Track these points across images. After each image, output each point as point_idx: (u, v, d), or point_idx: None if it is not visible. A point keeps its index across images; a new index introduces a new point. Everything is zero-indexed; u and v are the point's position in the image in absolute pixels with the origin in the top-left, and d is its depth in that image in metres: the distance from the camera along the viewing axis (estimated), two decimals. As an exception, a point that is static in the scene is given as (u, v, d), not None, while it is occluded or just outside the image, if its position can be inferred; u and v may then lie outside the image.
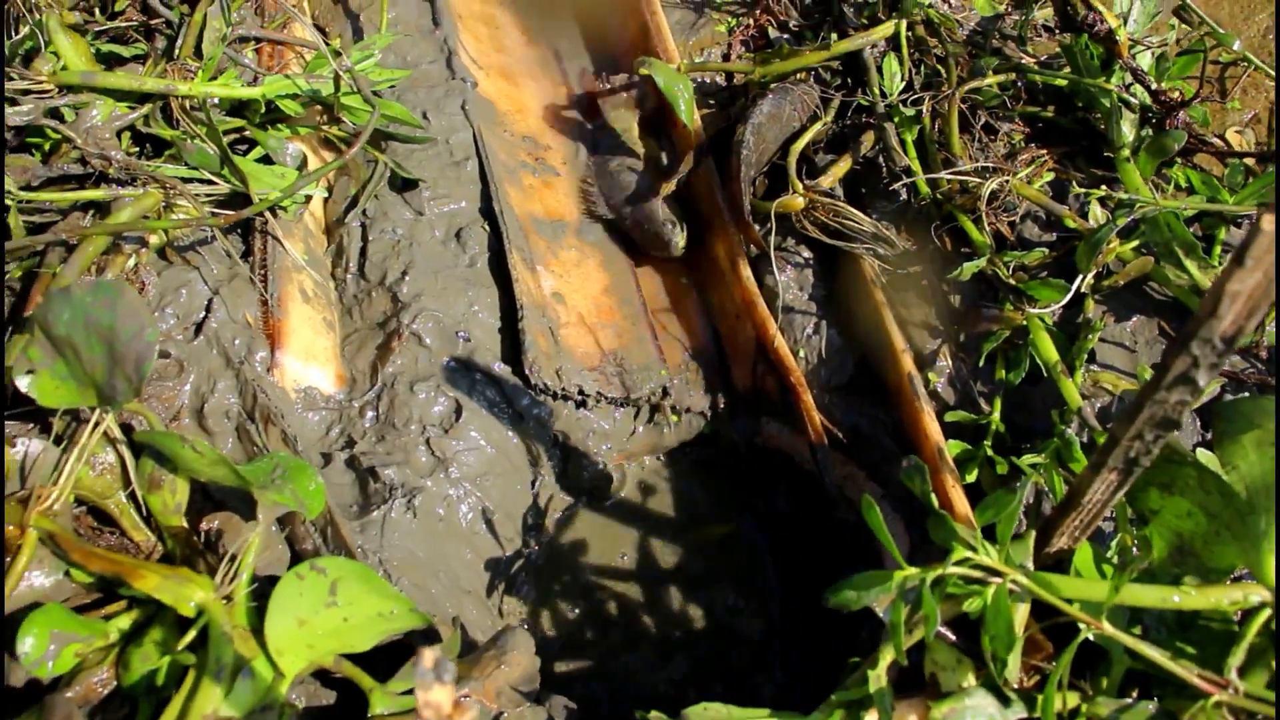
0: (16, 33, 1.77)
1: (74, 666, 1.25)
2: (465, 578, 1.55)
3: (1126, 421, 1.16)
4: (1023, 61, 1.83)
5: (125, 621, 1.30)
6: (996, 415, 1.58)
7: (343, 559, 1.26)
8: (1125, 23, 1.73)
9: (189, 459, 1.29)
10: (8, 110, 1.56)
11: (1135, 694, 1.33)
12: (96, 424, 1.31)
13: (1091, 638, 1.25)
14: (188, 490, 1.38)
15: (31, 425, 1.44)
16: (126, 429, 1.40)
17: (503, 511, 1.62)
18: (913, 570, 1.21)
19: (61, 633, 1.24)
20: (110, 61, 1.78)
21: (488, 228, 1.79)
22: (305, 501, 1.36)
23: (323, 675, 1.39)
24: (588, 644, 1.62)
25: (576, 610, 1.63)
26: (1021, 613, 1.26)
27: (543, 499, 1.69)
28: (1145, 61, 1.74)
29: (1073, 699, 1.27)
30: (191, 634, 1.20)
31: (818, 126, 1.81)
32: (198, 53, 1.73)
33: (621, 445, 1.73)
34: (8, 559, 1.24)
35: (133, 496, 1.37)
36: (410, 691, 1.31)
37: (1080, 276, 1.57)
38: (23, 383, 1.30)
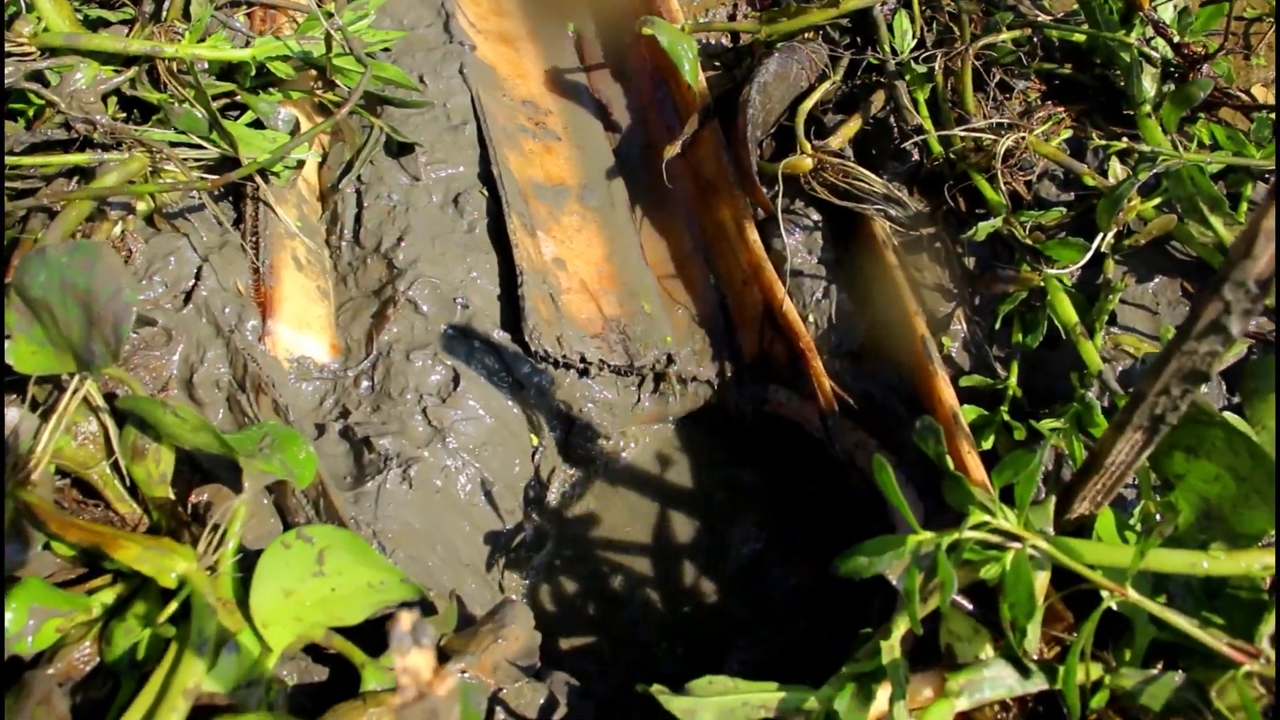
0: (-1, -1, 1.73)
1: (55, 642, 1.21)
2: (464, 550, 1.50)
3: (1153, 376, 1.10)
4: (1038, 17, 1.76)
5: (108, 596, 1.25)
6: (1013, 380, 1.52)
7: (331, 527, 1.21)
8: (1146, -28, 1.66)
9: (170, 425, 1.24)
10: (-12, 72, 1.51)
11: (1160, 665, 1.28)
12: (75, 390, 1.27)
13: (1114, 606, 1.19)
14: (172, 459, 1.33)
15: (13, 396, 1.39)
16: (109, 397, 1.35)
17: (502, 483, 1.56)
18: (928, 535, 1.15)
19: (41, 607, 1.19)
20: (98, 26, 1.73)
21: (486, 193, 1.73)
22: (295, 471, 1.31)
23: (314, 651, 1.34)
24: (590, 619, 1.56)
25: (579, 584, 1.58)
26: (1041, 580, 1.20)
27: (544, 470, 1.63)
28: (1167, 14, 1.67)
29: (1095, 670, 1.22)
30: (173, 606, 1.16)
31: (826, 85, 1.75)
32: (186, 15, 1.68)
33: (625, 415, 1.67)
34: (-16, 529, 1.20)
35: (116, 467, 1.32)
36: (404, 666, 1.26)
37: (1100, 235, 1.51)
38: None
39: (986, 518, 1.16)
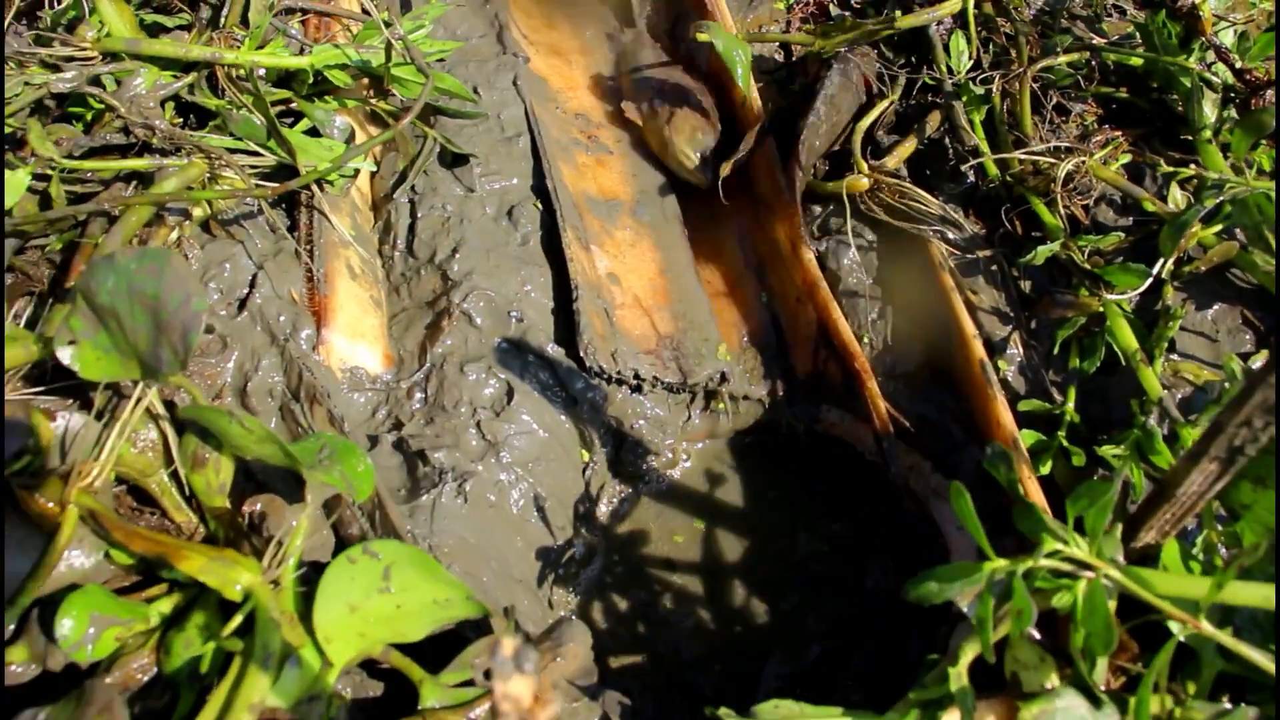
0: (60, 1, 1.73)
1: (114, 651, 1.20)
2: (516, 566, 1.49)
3: (1235, 407, 1.09)
4: (1095, 40, 1.75)
5: (166, 605, 1.24)
6: (1071, 405, 1.51)
7: (397, 543, 1.20)
8: (1207, -2, 1.66)
9: (236, 435, 1.23)
10: (51, 77, 1.51)
11: (1227, 698, 1.26)
12: (139, 398, 1.26)
13: (1184, 638, 1.18)
14: (232, 470, 1.32)
15: (71, 400, 1.39)
16: (169, 405, 1.34)
17: (554, 498, 1.55)
18: (1002, 562, 1.14)
19: (101, 615, 1.18)
20: (155, 32, 1.73)
21: (540, 206, 1.73)
22: (354, 483, 1.30)
23: (369, 665, 1.33)
24: (641, 637, 1.55)
25: (629, 601, 1.57)
26: (1110, 611, 1.18)
27: (594, 486, 1.62)
28: (1228, 39, 1.67)
29: (1166, 702, 1.20)
30: (238, 619, 1.15)
31: (884, 105, 1.74)
32: (244, 22, 1.68)
33: (676, 431, 1.67)
34: (47, 537, 1.19)
35: (175, 475, 1.32)
36: (464, 684, 1.25)
37: (1161, 261, 1.50)
38: (65, 354, 1.25)
39: (1059, 546, 1.15)
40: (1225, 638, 1.12)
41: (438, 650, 1.29)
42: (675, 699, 1.51)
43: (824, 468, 1.69)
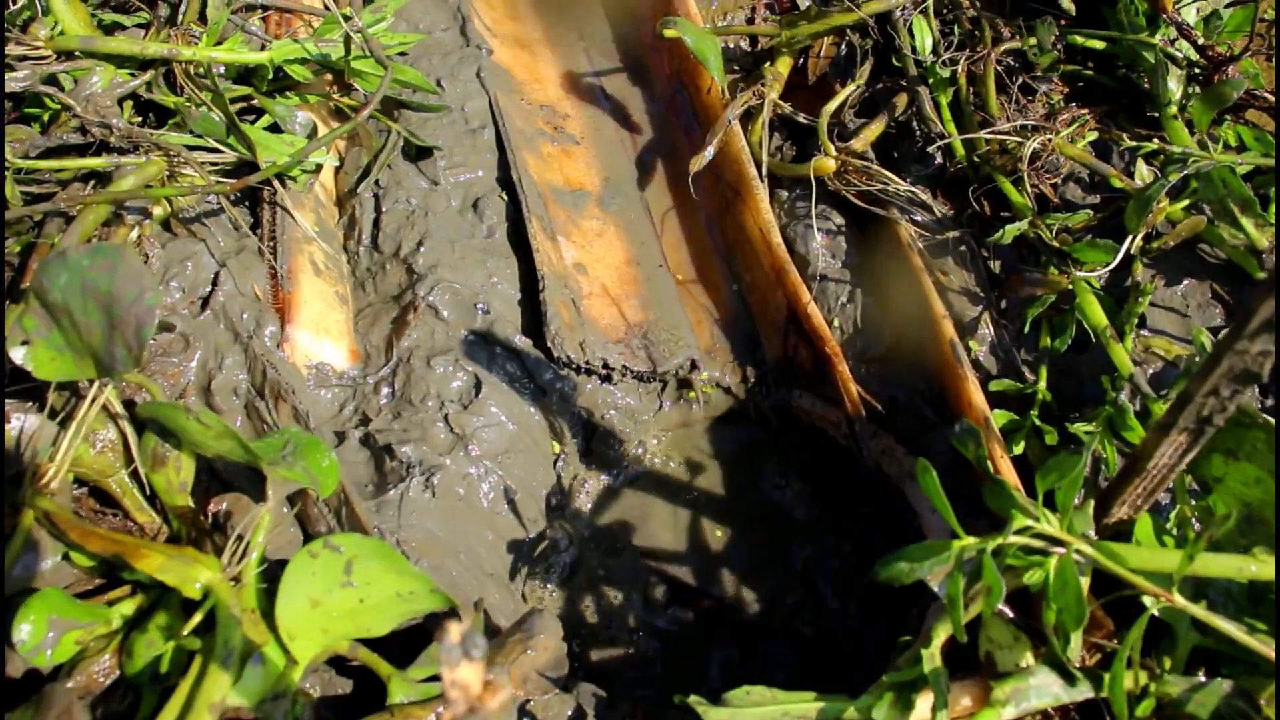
0: (15, 3, 1.71)
1: (74, 655, 1.18)
2: (487, 559, 1.47)
3: (1201, 376, 1.08)
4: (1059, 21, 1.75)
5: (128, 607, 1.22)
6: (1043, 384, 1.50)
7: (359, 536, 1.18)
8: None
9: (194, 431, 1.21)
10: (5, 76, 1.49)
11: (1202, 672, 1.25)
12: (95, 397, 1.24)
13: (1157, 612, 1.17)
14: (193, 467, 1.30)
15: (29, 403, 1.36)
16: (128, 404, 1.32)
17: (525, 490, 1.54)
18: (971, 540, 1.13)
19: (61, 619, 1.16)
20: (113, 31, 1.71)
21: (505, 197, 1.71)
22: (318, 478, 1.28)
23: (338, 662, 1.31)
24: (615, 628, 1.54)
25: (603, 592, 1.56)
26: (1081, 586, 1.17)
27: (566, 477, 1.61)
28: (1190, 16, 1.66)
29: (1140, 678, 1.19)
30: (198, 617, 1.13)
31: (850, 88, 1.73)
32: (202, 19, 1.66)
33: (648, 420, 1.65)
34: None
35: (135, 475, 1.30)
36: (432, 678, 1.23)
37: (1129, 238, 1.49)
38: (17, 354, 1.23)
39: (1030, 522, 1.14)
40: (1199, 610, 1.11)
41: (405, 646, 1.27)
42: (649, 689, 1.50)
43: (797, 453, 1.67)
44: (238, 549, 1.17)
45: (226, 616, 1.12)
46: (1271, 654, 1.10)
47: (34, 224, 1.50)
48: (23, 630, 1.13)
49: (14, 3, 1.70)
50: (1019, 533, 1.13)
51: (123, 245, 1.22)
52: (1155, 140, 1.58)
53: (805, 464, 1.66)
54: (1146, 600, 1.15)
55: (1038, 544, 1.13)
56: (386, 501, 1.42)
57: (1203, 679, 1.18)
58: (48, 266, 1.21)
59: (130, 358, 1.17)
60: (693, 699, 1.17)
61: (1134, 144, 1.56)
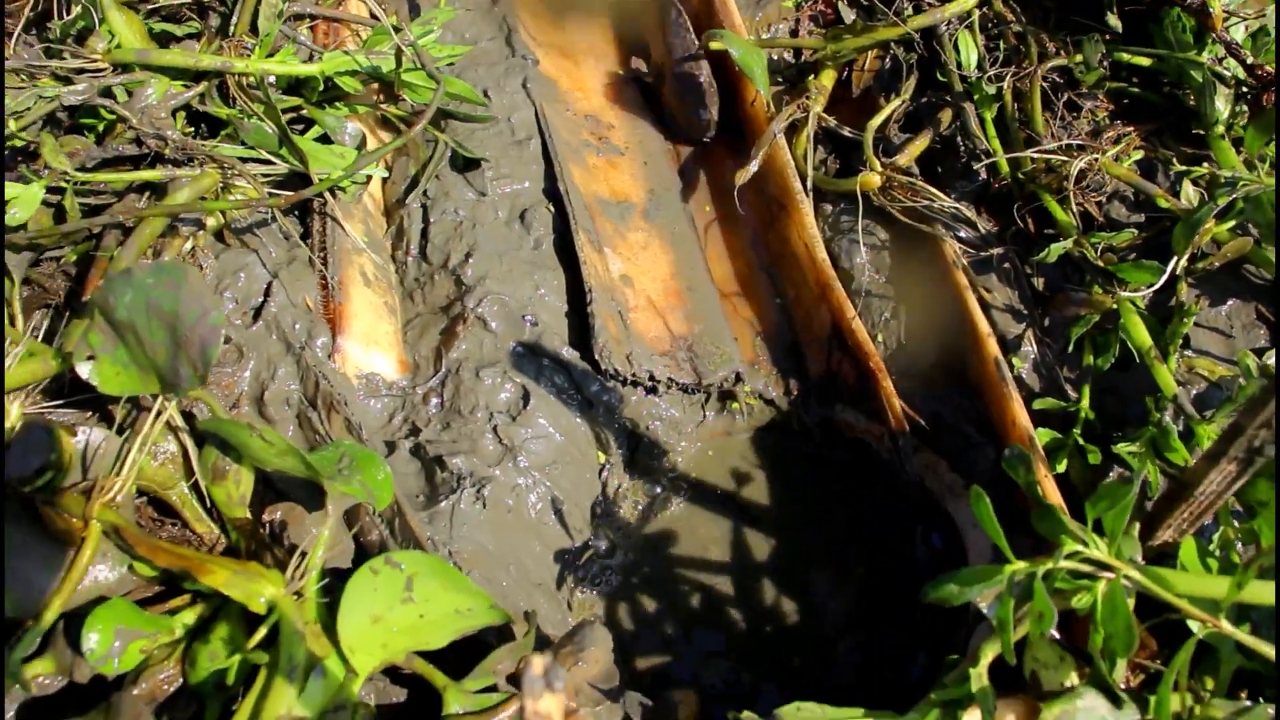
0: (69, 12, 1.73)
1: (139, 663, 1.21)
2: (534, 570, 1.50)
3: (1255, 408, 1.10)
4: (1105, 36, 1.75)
5: (190, 616, 1.25)
6: (1086, 402, 1.51)
7: (419, 553, 1.21)
8: (1218, -8, 1.65)
9: (257, 449, 1.23)
10: (63, 90, 1.51)
11: (1245, 694, 1.27)
12: (159, 412, 1.26)
13: (1201, 635, 1.18)
14: (252, 481, 1.33)
15: (91, 413, 1.39)
16: (188, 417, 1.35)
17: (571, 501, 1.56)
18: (1022, 565, 1.14)
19: (126, 628, 1.19)
20: (164, 40, 1.73)
21: (552, 209, 1.73)
22: (374, 492, 1.30)
23: (392, 671, 1.34)
24: (661, 636, 1.56)
25: (648, 601, 1.58)
26: (1131, 614, 1.19)
27: (610, 487, 1.63)
28: (1239, 34, 1.66)
29: (1185, 699, 1.21)
30: (262, 631, 1.15)
31: (895, 103, 1.74)
32: (253, 29, 1.68)
33: (692, 431, 1.67)
34: (72, 552, 1.19)
35: (195, 487, 1.32)
36: (487, 689, 1.26)
37: (1174, 259, 1.50)
38: (84, 369, 1.26)
39: (1078, 547, 1.15)
40: (1244, 636, 1.12)
41: (459, 655, 1.30)
42: (702, 702, 1.52)
43: (839, 465, 1.69)
44: (300, 565, 1.19)
45: (290, 631, 1.14)
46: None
47: (91, 235, 1.52)
48: (91, 639, 1.16)
49: (67, 12, 1.73)
50: (1068, 557, 1.14)
51: (186, 265, 1.25)
52: (1204, 164, 1.58)
53: (848, 476, 1.68)
54: (1193, 625, 1.17)
55: (1086, 568, 1.15)
56: (438, 513, 1.44)
57: (1247, 703, 1.20)
58: (113, 284, 1.23)
59: (196, 377, 1.20)
60: (745, 715, 1.19)
61: (1183, 168, 1.57)
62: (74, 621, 1.19)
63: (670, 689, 1.53)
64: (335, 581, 1.26)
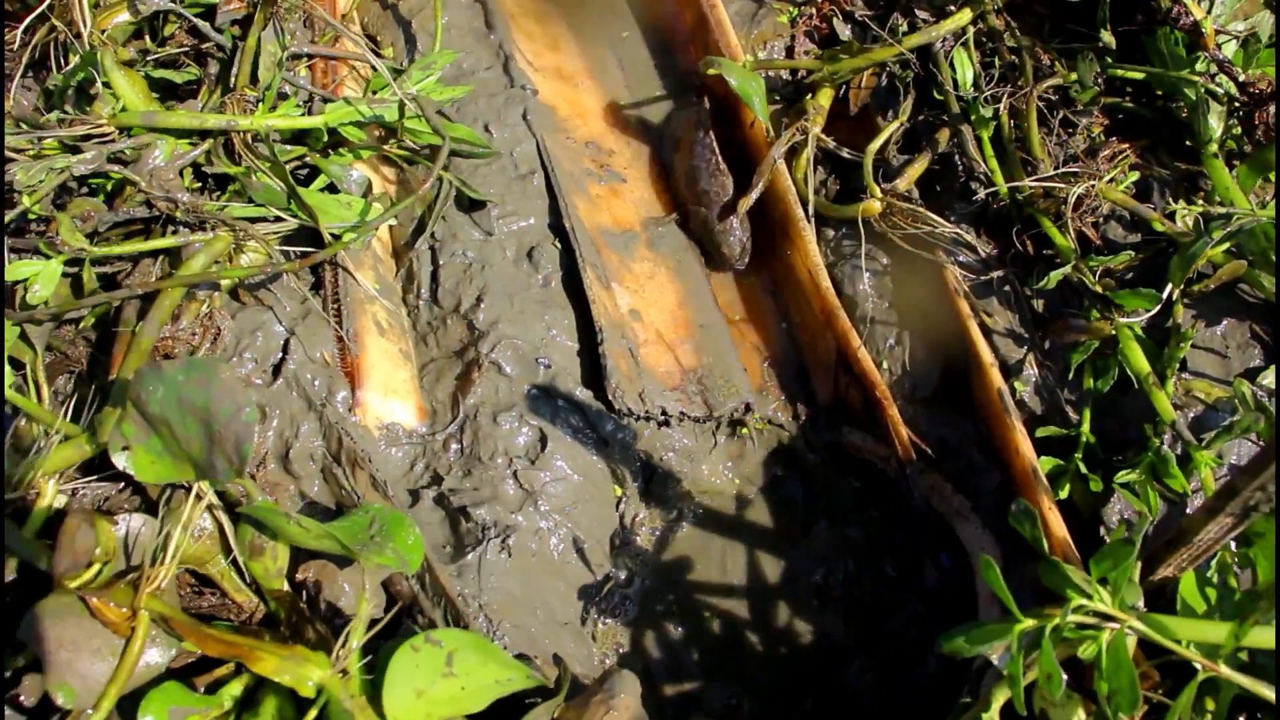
0: (67, 62, 1.73)
1: (193, 739, 1.27)
2: (560, 610, 1.56)
3: (1251, 474, 1.15)
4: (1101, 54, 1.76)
5: (236, 689, 1.31)
6: (1086, 427, 1.56)
7: (458, 631, 1.26)
8: (1209, 10, 1.66)
9: (295, 534, 1.28)
10: (73, 160, 1.52)
11: (1243, 717, 1.34)
12: (198, 495, 1.31)
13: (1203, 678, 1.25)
14: (288, 555, 1.38)
15: (123, 487, 1.44)
16: (220, 494, 1.39)
17: (592, 538, 1.61)
18: (1030, 622, 1.21)
19: (179, 708, 1.25)
20: (163, 90, 1.74)
21: (558, 244, 1.76)
22: (406, 557, 1.35)
23: (433, 727, 1.40)
24: (680, 661, 1.62)
25: (668, 627, 1.64)
26: (1130, 645, 1.25)
27: (628, 518, 1.68)
28: (1230, 50, 1.68)
29: (1187, 735, 1.28)
30: (313, 714, 1.21)
31: (893, 126, 1.76)
32: (253, 78, 1.68)
33: (703, 459, 1.72)
34: (122, 642, 1.25)
35: (234, 562, 1.37)
36: (524, 744, 1.32)
37: (1170, 285, 1.53)
38: (120, 460, 1.30)
39: (1084, 601, 1.21)
40: (1244, 680, 1.19)
41: (494, 709, 1.36)
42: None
43: (849, 485, 1.74)
44: (343, 644, 1.25)
45: (339, 712, 1.20)
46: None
47: (113, 310, 1.55)
48: (145, 722, 1.22)
49: (64, 60, 1.73)
50: (1075, 611, 1.21)
51: (215, 360, 1.28)
52: (1199, 195, 1.61)
53: (858, 497, 1.73)
54: (1196, 665, 1.23)
55: (1091, 620, 1.21)
56: (466, 565, 1.49)
57: (1246, 733, 1.27)
58: (144, 379, 1.26)
59: (232, 470, 1.24)
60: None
61: (1182, 202, 1.60)
62: (125, 702, 1.26)
63: (693, 716, 1.60)
64: (373, 643, 1.32)
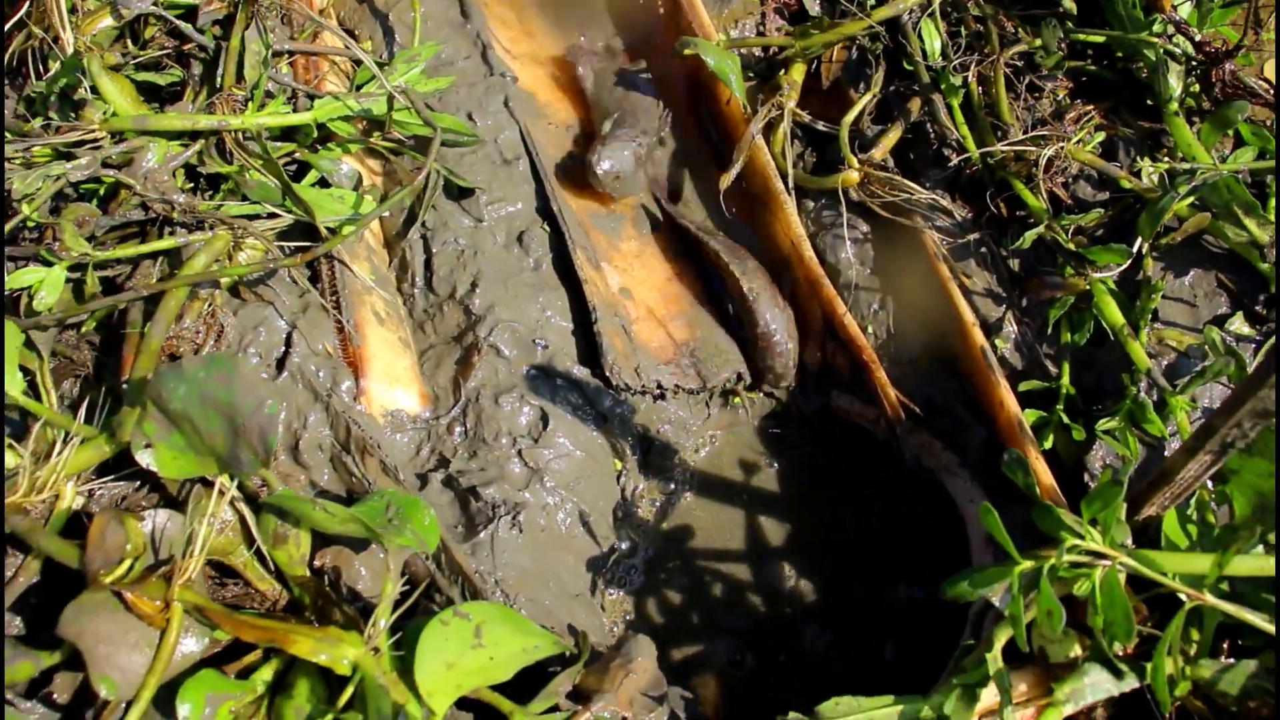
0: (46, 69, 1.74)
1: (230, 723, 1.31)
2: (570, 582, 1.61)
3: (1226, 413, 1.22)
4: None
5: (268, 673, 1.35)
6: (1066, 380, 1.63)
7: (485, 603, 1.31)
8: (1166, -29, 1.73)
9: (320, 519, 1.32)
10: (67, 166, 1.54)
11: (1226, 645, 1.43)
12: (221, 490, 1.34)
13: (1189, 607, 1.33)
14: (309, 541, 1.42)
15: (139, 485, 1.46)
16: (241, 486, 1.42)
17: (596, 511, 1.66)
18: (1029, 564, 1.28)
19: (215, 694, 1.29)
20: (146, 92, 1.75)
21: (547, 227, 1.80)
22: (424, 538, 1.40)
23: (459, 700, 1.45)
24: (686, 624, 1.68)
25: (671, 593, 1.70)
26: (1121, 581, 1.32)
27: (628, 491, 1.73)
28: (1185, 11, 1.75)
29: (1176, 662, 1.36)
30: (349, 690, 1.25)
31: (866, 98, 1.81)
32: (239, 77, 1.71)
33: (699, 429, 1.78)
34: (158, 633, 1.28)
35: (257, 552, 1.41)
36: (550, 710, 1.37)
37: (1139, 240, 1.61)
38: (144, 458, 1.33)
39: (1076, 541, 1.28)
40: (1228, 606, 1.26)
41: (520, 677, 1.41)
42: (730, 684, 1.65)
43: (840, 448, 1.81)
44: (373, 624, 1.29)
45: (375, 687, 1.25)
46: (1291, 638, 1.26)
47: (118, 312, 1.57)
48: (184, 709, 1.26)
49: (44, 66, 1.74)
50: (1069, 551, 1.28)
51: (236, 357, 1.31)
52: (1163, 152, 1.68)
53: (849, 457, 1.79)
54: (1182, 596, 1.31)
55: (1084, 559, 1.29)
56: (479, 543, 1.54)
57: (1231, 660, 1.35)
58: (164, 379, 1.30)
59: (257, 461, 1.28)
60: (793, 716, 1.32)
61: (1147, 160, 1.67)
62: (163, 692, 1.29)
63: (701, 674, 1.66)
64: (397, 622, 1.37)
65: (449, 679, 1.29)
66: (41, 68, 1.76)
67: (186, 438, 1.32)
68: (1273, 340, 1.59)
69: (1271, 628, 1.26)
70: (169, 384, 1.29)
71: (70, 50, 1.67)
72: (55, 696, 1.34)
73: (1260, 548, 1.35)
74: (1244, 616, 1.26)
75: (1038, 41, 1.79)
